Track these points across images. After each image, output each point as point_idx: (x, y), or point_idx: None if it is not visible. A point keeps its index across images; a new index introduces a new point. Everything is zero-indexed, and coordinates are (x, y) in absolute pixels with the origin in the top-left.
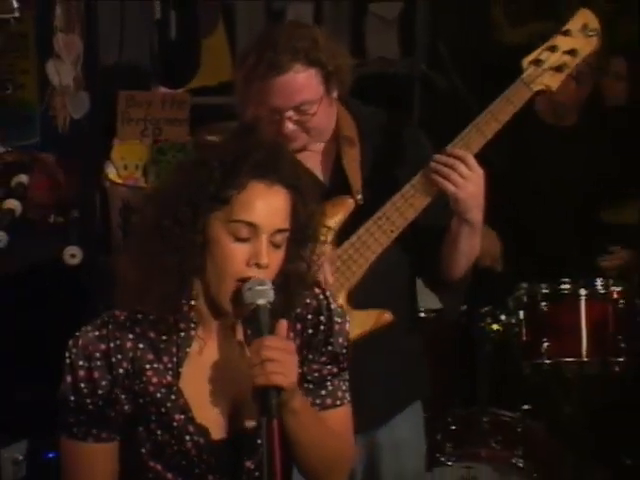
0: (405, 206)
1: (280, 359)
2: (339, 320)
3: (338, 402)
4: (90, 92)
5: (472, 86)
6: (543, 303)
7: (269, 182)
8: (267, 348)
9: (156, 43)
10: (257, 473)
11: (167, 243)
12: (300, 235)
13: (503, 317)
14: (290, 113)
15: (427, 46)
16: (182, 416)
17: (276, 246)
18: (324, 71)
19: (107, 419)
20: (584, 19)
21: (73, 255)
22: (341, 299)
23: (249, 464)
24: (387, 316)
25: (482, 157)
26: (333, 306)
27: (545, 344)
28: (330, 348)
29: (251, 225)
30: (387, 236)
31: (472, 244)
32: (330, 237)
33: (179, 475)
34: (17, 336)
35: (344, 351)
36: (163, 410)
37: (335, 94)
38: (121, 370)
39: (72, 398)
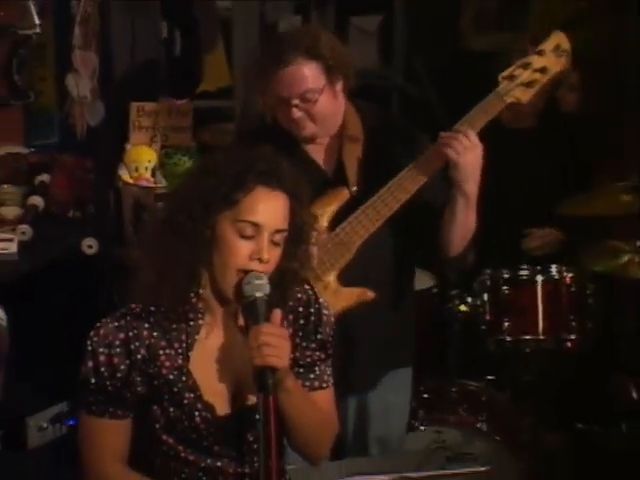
0: (389, 198)
1: (275, 343)
2: (326, 312)
3: (324, 384)
4: (105, 102)
5: (443, 91)
6: (504, 287)
7: (272, 188)
8: (263, 334)
9: (163, 59)
10: (255, 446)
11: (180, 237)
12: (296, 236)
13: (469, 299)
14: (296, 101)
15: (404, 57)
16: (191, 395)
17: (275, 244)
18: (325, 64)
19: (123, 399)
20: (557, 40)
21: (90, 246)
22: (331, 277)
23: (249, 437)
24: (369, 294)
25: None
26: (321, 300)
27: (506, 323)
28: (319, 336)
29: (255, 225)
30: (372, 224)
31: (468, 218)
32: (325, 222)
33: (189, 447)
34: (42, 317)
35: (330, 339)
36: (175, 390)
37: (339, 86)
38: (139, 356)
39: (93, 380)
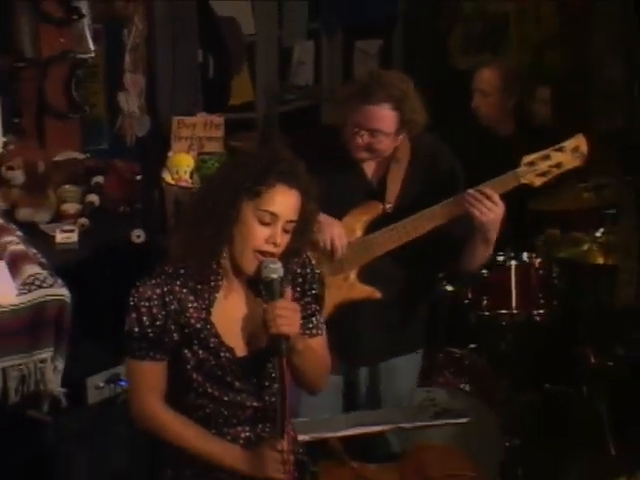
0: (410, 228)
1: (287, 315)
2: (317, 271)
3: (320, 332)
4: (151, 116)
5: (433, 105)
6: (483, 270)
7: (289, 185)
8: (278, 308)
9: (199, 81)
10: (267, 383)
11: (209, 217)
12: (302, 226)
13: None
14: (364, 132)
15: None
16: (216, 339)
17: (286, 232)
18: (402, 117)
19: (161, 344)
20: (577, 143)
21: (138, 236)
22: (353, 272)
23: (262, 375)
24: (377, 294)
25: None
26: (313, 262)
27: (485, 300)
28: (314, 291)
29: (273, 214)
30: (391, 244)
31: (484, 253)
32: (359, 228)
33: (215, 384)
34: (98, 295)
35: (320, 294)
36: (202, 336)
37: (401, 136)
38: (172, 307)
39: (136, 329)
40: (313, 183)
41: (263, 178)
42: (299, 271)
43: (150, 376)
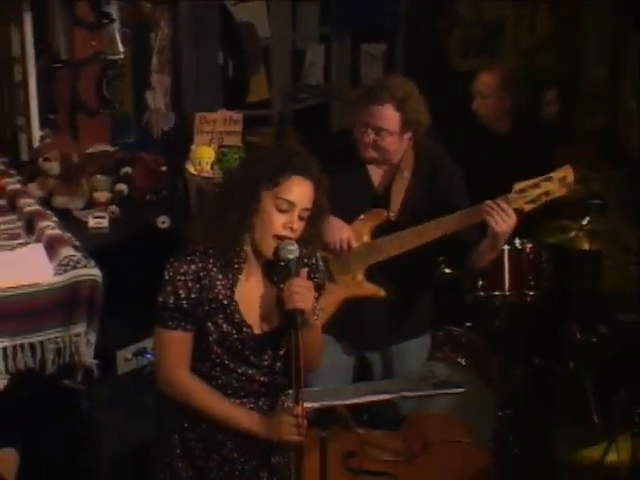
0: (409, 239)
1: (302, 292)
2: (321, 263)
3: (317, 317)
4: (175, 113)
5: (433, 104)
6: None
7: (304, 177)
8: (294, 285)
9: (219, 80)
10: (276, 360)
11: (232, 208)
12: (314, 214)
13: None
14: (370, 131)
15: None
16: (239, 316)
17: (302, 218)
18: (404, 117)
19: (193, 315)
20: (565, 173)
21: (163, 222)
22: (360, 271)
23: (273, 353)
24: (381, 292)
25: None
26: (318, 254)
27: (480, 282)
28: (317, 280)
29: (290, 202)
30: (393, 251)
31: (491, 256)
32: (366, 233)
33: (232, 357)
34: (127, 275)
35: (323, 282)
36: (228, 311)
37: (407, 136)
38: (205, 282)
39: (171, 301)
40: (324, 177)
41: (281, 170)
42: (306, 261)
43: (180, 346)
